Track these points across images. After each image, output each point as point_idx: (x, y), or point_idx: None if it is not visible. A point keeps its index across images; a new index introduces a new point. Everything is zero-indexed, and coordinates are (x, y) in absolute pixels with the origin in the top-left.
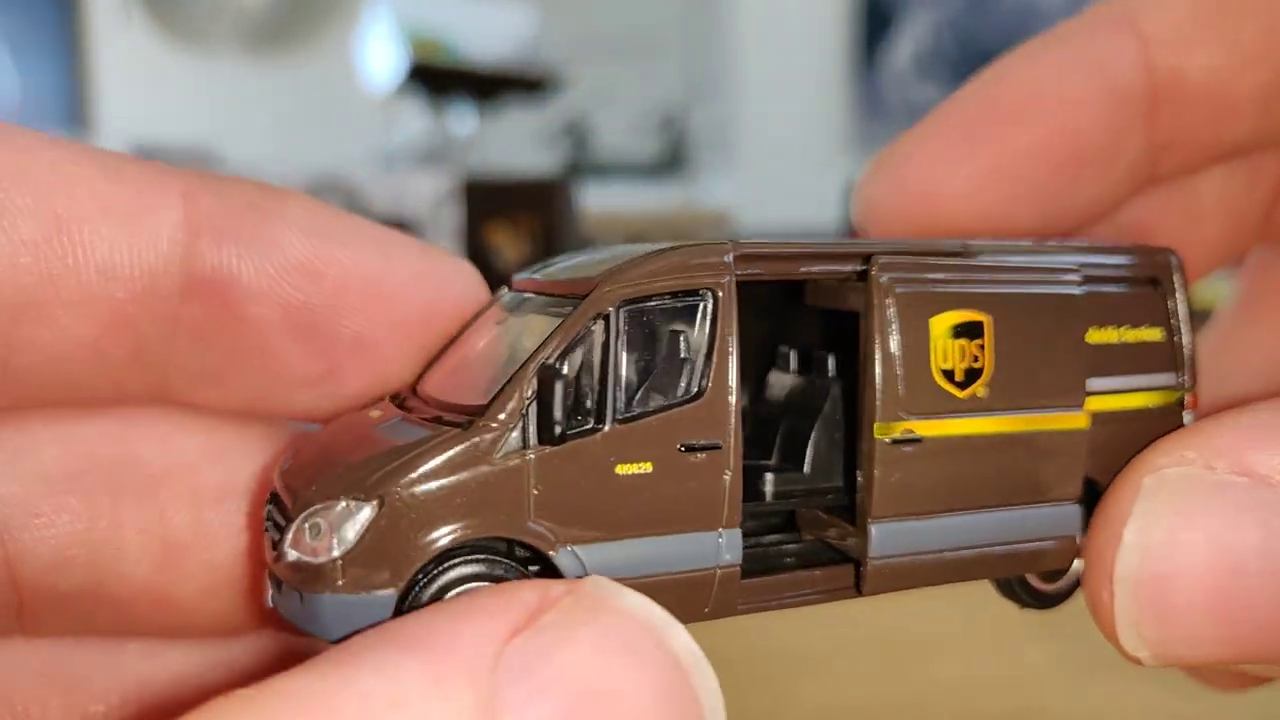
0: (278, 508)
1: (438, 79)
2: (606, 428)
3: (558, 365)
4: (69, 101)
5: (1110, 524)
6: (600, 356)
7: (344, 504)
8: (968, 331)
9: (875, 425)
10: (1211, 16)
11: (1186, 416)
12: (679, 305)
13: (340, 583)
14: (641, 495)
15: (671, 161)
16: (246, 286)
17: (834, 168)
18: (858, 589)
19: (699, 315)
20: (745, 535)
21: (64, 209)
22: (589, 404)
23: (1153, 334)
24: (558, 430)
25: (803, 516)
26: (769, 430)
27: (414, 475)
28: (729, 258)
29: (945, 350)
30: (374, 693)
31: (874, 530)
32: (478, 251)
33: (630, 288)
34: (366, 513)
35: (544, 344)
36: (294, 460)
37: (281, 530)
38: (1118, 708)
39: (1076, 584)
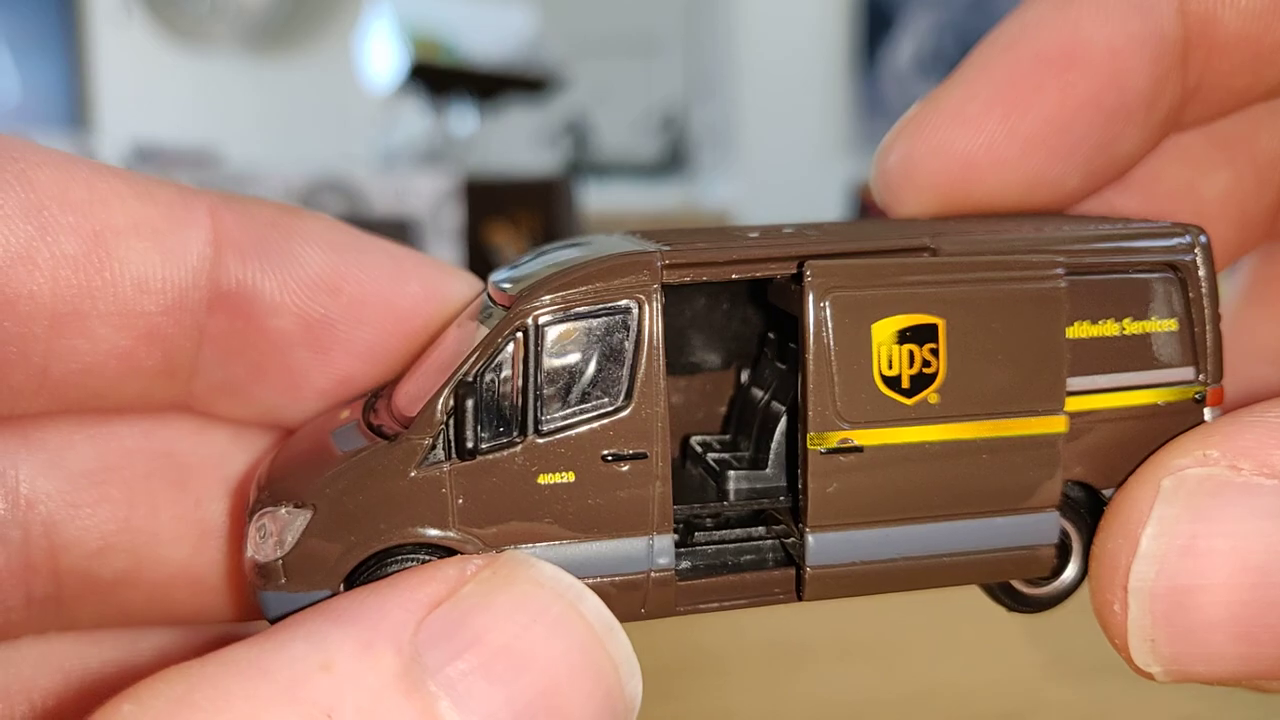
0: (248, 506)
1: (438, 78)
2: (525, 441)
3: (473, 381)
4: (69, 101)
5: (1124, 529)
6: (520, 371)
7: (285, 509)
8: (918, 336)
9: (809, 435)
10: None
11: (1209, 414)
12: (601, 318)
13: (283, 581)
14: (565, 503)
15: (672, 161)
16: (268, 301)
17: (834, 167)
18: (798, 594)
19: (623, 327)
20: (702, 532)
21: (102, 226)
22: (509, 417)
23: (1163, 325)
24: (469, 445)
25: (769, 516)
26: (749, 421)
27: (344, 485)
28: (659, 264)
29: (890, 356)
30: (305, 658)
31: (811, 540)
32: (478, 251)
33: (550, 303)
34: (302, 518)
35: (466, 359)
36: (267, 462)
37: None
38: (1116, 708)
39: (1068, 590)
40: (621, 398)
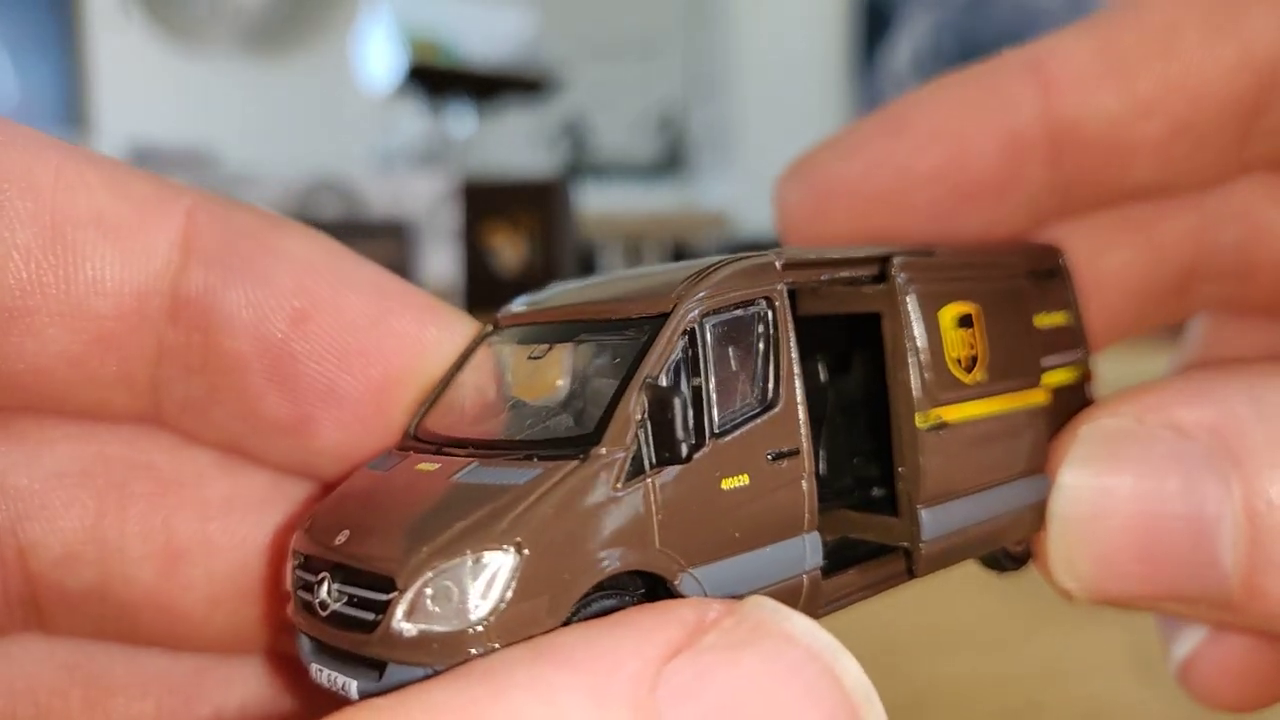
0: (315, 570)
1: (436, 80)
2: (709, 445)
3: (645, 386)
4: (67, 101)
5: (1049, 467)
6: (692, 372)
7: (469, 561)
8: (966, 322)
9: (915, 415)
10: (1112, 67)
11: (1089, 390)
12: (746, 315)
13: (495, 644)
14: (742, 509)
15: (670, 162)
16: (228, 317)
17: None
18: (910, 573)
19: (764, 324)
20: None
21: (62, 217)
22: (686, 424)
23: (1062, 317)
24: (684, 450)
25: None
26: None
27: (549, 515)
28: (778, 265)
29: (953, 340)
30: (528, 711)
31: (924, 515)
32: (476, 252)
33: (708, 300)
34: (509, 563)
35: (640, 364)
36: (331, 523)
37: (357, 602)
38: (1117, 706)
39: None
40: (771, 394)
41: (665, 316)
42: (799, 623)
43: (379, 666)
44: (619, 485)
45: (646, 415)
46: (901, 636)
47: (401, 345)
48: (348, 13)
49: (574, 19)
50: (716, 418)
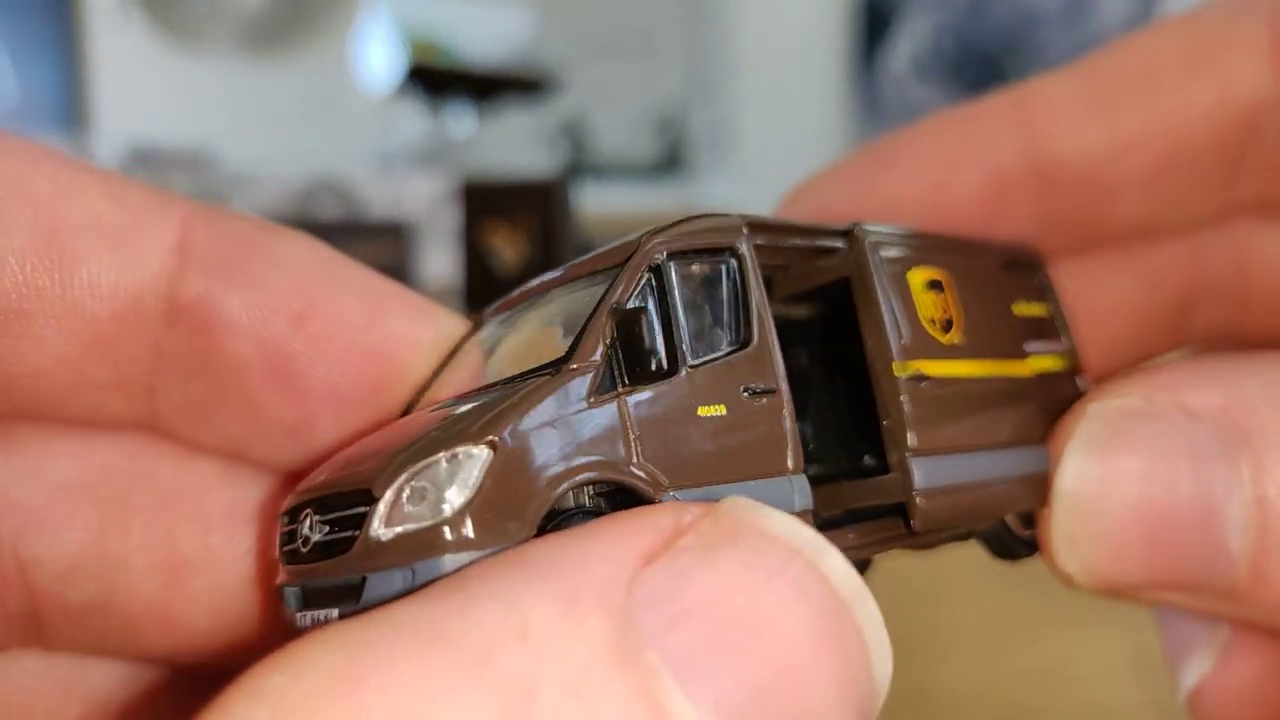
0: (299, 515)
1: (436, 80)
2: (683, 371)
3: (635, 307)
4: (66, 101)
5: (1056, 444)
6: (661, 304)
7: (443, 460)
8: (935, 286)
9: (893, 365)
10: (1094, 105)
11: (1080, 382)
12: (714, 261)
13: (468, 535)
14: (721, 438)
15: (670, 162)
16: (228, 320)
17: None
18: (909, 528)
19: (732, 271)
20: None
21: (59, 223)
22: (658, 351)
23: (1042, 309)
24: (653, 364)
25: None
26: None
27: (522, 416)
28: (739, 223)
29: (924, 301)
30: (496, 624)
31: (914, 464)
32: (475, 252)
33: (673, 242)
34: (481, 458)
35: (607, 293)
36: (320, 473)
37: (341, 523)
38: (1118, 709)
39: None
40: (744, 334)
41: (631, 257)
42: (779, 520)
43: (361, 587)
44: (591, 398)
45: (615, 338)
46: (902, 636)
47: (399, 344)
48: (347, 13)
49: (573, 19)
50: (688, 347)
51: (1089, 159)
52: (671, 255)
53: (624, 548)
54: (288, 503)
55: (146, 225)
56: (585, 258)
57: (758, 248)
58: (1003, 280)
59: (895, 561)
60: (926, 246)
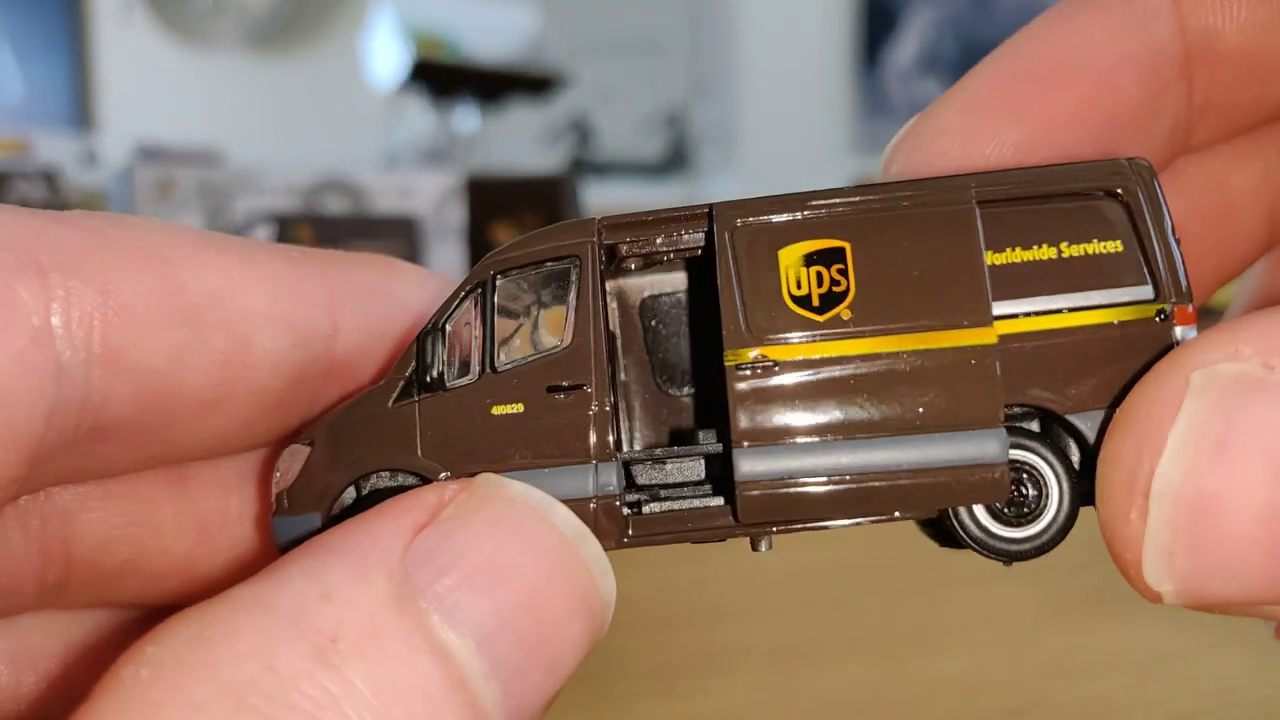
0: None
1: (441, 77)
2: (480, 377)
3: (435, 327)
4: (72, 100)
5: (1147, 429)
6: (477, 318)
7: (291, 449)
8: (826, 258)
9: (725, 353)
10: None
11: (1180, 332)
12: (548, 271)
13: (286, 505)
14: (515, 431)
15: (674, 160)
16: (371, 360)
17: (836, 166)
18: (735, 518)
19: (566, 278)
20: (654, 480)
21: (242, 318)
22: (469, 358)
23: (1106, 247)
24: (429, 377)
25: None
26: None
27: (333, 420)
28: (597, 225)
29: (797, 278)
30: (306, 590)
31: (736, 456)
32: (481, 250)
33: (504, 260)
34: (304, 453)
35: (435, 313)
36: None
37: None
38: (1121, 704)
39: (1058, 529)
40: (563, 338)
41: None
42: (516, 487)
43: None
44: (390, 403)
45: (416, 353)
46: (902, 636)
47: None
48: (353, 11)
49: (579, 17)
50: (494, 357)
51: (1247, 34)
52: (502, 272)
53: (400, 522)
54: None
55: (305, 303)
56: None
57: (630, 245)
58: (969, 223)
59: (897, 559)
60: (818, 212)
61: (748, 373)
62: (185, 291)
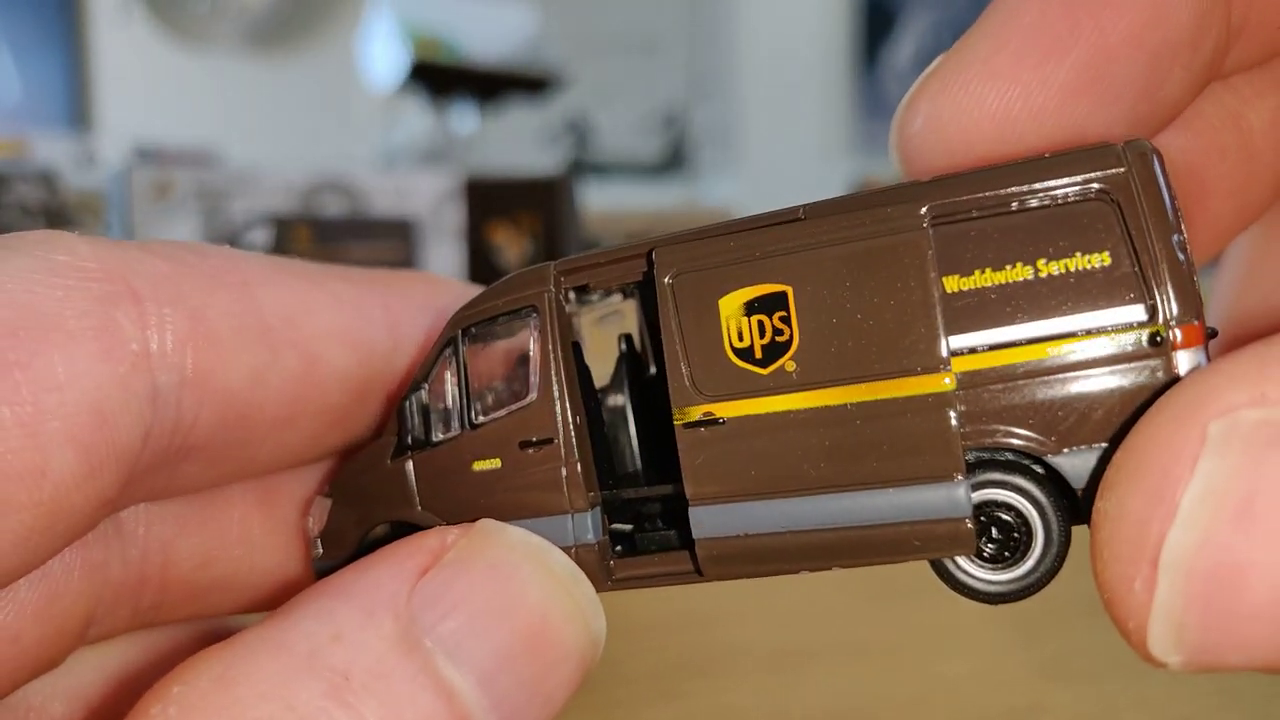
0: None
1: (439, 78)
2: (460, 434)
3: (417, 387)
4: (70, 100)
5: (1155, 487)
6: (452, 375)
7: (319, 500)
8: (767, 305)
9: (674, 411)
10: None
11: (1184, 358)
12: (510, 323)
13: (319, 553)
14: (495, 487)
15: (673, 160)
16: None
17: (835, 166)
18: (697, 571)
19: (527, 329)
20: (639, 519)
21: (311, 337)
22: (447, 416)
23: (1091, 260)
24: (410, 440)
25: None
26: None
27: (346, 474)
28: (553, 271)
29: (739, 329)
30: (318, 632)
31: (692, 514)
32: (479, 250)
33: (468, 316)
34: (327, 504)
35: (415, 372)
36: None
37: None
38: (1121, 705)
39: (1039, 576)
40: (530, 390)
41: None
42: (514, 533)
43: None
44: (389, 461)
45: (399, 413)
46: (902, 636)
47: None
48: (350, 11)
49: (577, 17)
50: (472, 412)
51: None
52: (467, 329)
53: (404, 566)
54: None
55: (367, 321)
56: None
57: (582, 289)
58: (921, 250)
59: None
60: (759, 253)
61: (697, 431)
62: (263, 314)
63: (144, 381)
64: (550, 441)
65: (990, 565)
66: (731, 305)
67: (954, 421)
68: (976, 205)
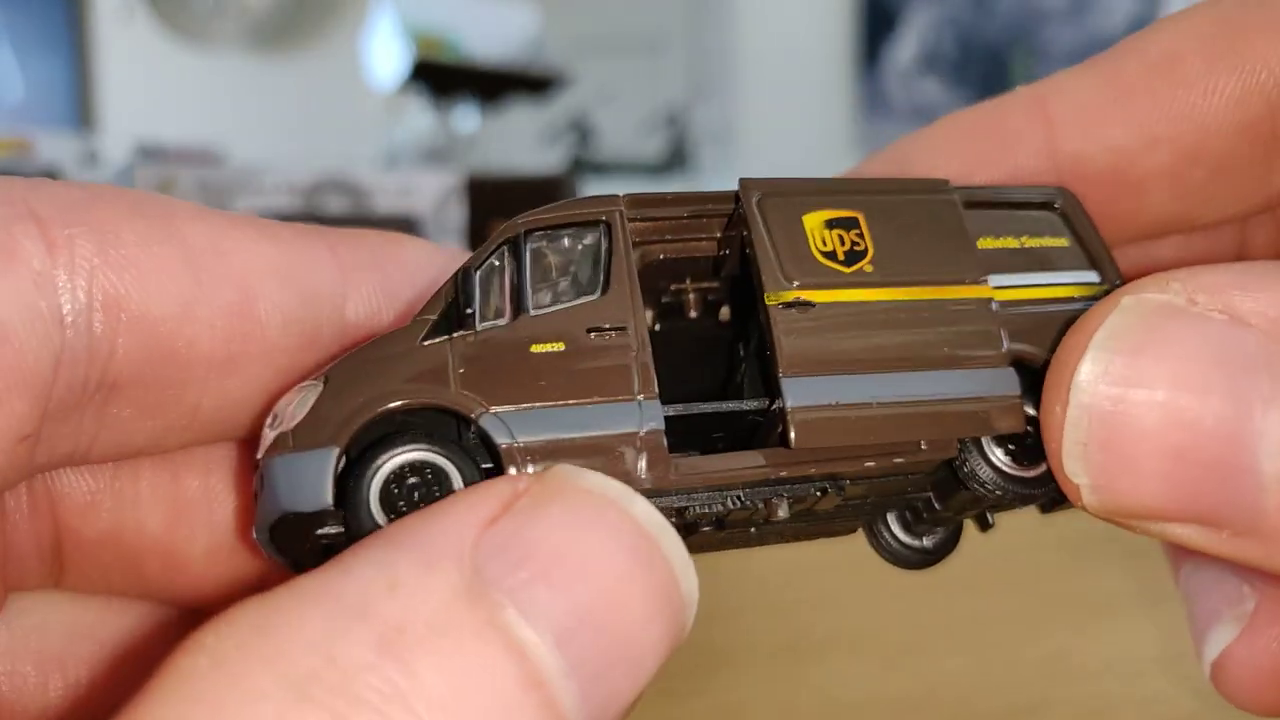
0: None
1: (442, 77)
2: (515, 319)
3: (472, 270)
4: (73, 99)
5: (1079, 333)
6: (512, 269)
7: (297, 389)
8: (843, 224)
9: (766, 295)
10: (1114, 100)
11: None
12: (578, 232)
13: (290, 444)
14: (557, 369)
15: (674, 160)
16: (384, 326)
17: (837, 165)
18: (784, 443)
19: (597, 238)
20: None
21: (249, 274)
22: (499, 305)
23: (1057, 241)
24: (469, 311)
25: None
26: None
27: (356, 358)
28: (621, 199)
29: (822, 237)
30: (373, 580)
31: (786, 383)
32: None
33: (534, 220)
34: (314, 391)
35: (466, 262)
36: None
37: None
38: (1122, 704)
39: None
40: (600, 288)
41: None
42: (593, 478)
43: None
44: (421, 342)
45: (451, 294)
46: (902, 636)
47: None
48: (353, 10)
49: (579, 17)
50: (530, 299)
51: (1113, 155)
52: (530, 230)
53: (471, 514)
54: None
55: (310, 262)
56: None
57: (654, 221)
58: (954, 213)
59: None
60: (832, 191)
61: (790, 311)
62: (188, 245)
63: (49, 301)
64: (623, 329)
65: (1018, 463)
66: (814, 221)
67: (999, 321)
68: (977, 198)
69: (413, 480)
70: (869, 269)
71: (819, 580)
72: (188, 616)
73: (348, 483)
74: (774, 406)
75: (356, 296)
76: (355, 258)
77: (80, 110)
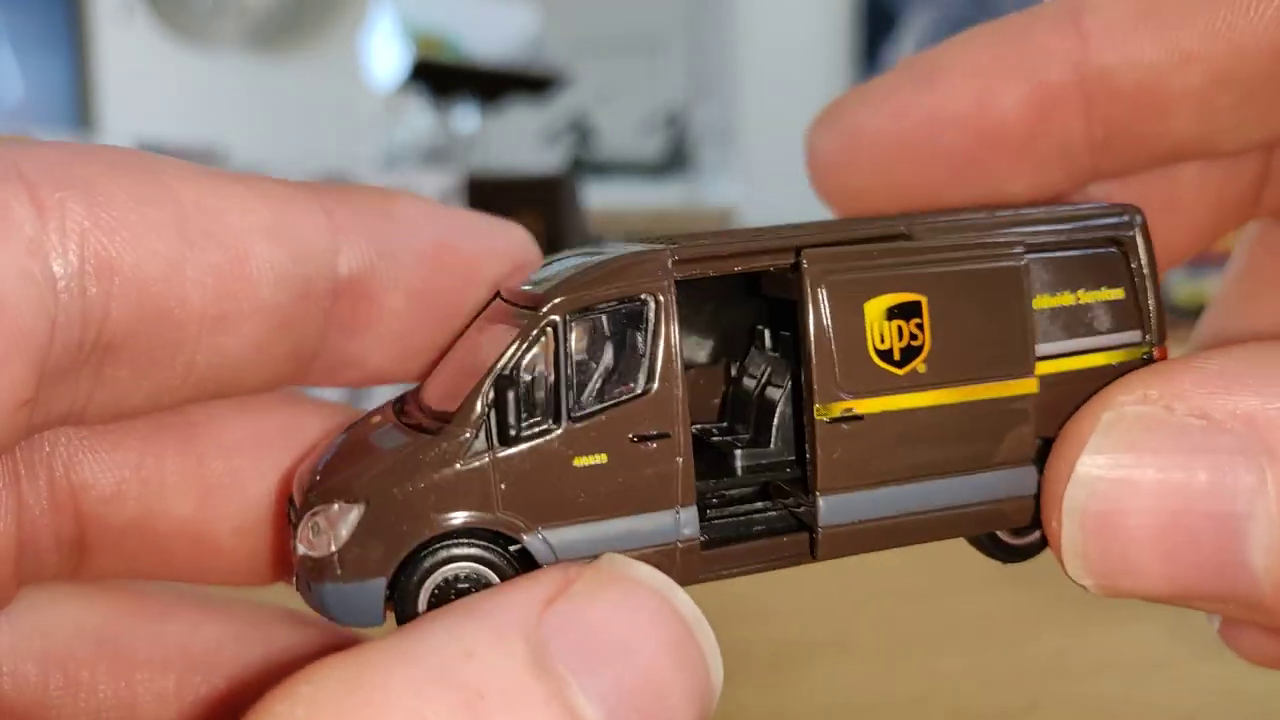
0: (292, 507)
1: (441, 77)
2: (561, 427)
3: (510, 374)
4: (72, 99)
5: (1064, 455)
6: (552, 363)
7: (337, 506)
8: (904, 312)
9: (815, 407)
10: (1148, 16)
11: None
12: (623, 311)
13: (338, 573)
14: (599, 483)
15: (675, 160)
16: (380, 283)
17: None
18: (813, 555)
19: (642, 319)
20: (714, 508)
21: (239, 231)
22: (544, 407)
23: (1112, 294)
24: (511, 432)
25: (775, 488)
26: (745, 407)
27: (394, 478)
28: (669, 262)
29: (881, 332)
30: (449, 647)
31: (822, 502)
32: None
33: (575, 300)
34: (355, 513)
35: (501, 355)
36: (305, 465)
37: (295, 527)
38: (1120, 705)
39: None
40: (644, 383)
41: (534, 313)
42: (641, 569)
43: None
44: (461, 460)
45: (492, 404)
46: (902, 636)
47: (499, 258)
48: (353, 10)
49: (579, 17)
50: (572, 404)
51: (1144, 72)
52: (572, 314)
53: (531, 595)
54: (291, 494)
55: (302, 219)
56: (535, 283)
57: (695, 276)
58: (1020, 275)
59: (896, 559)
60: (900, 264)
61: (838, 426)
62: (179, 204)
63: (42, 265)
64: (668, 436)
65: (1016, 533)
66: (875, 310)
67: (1033, 416)
68: (1044, 243)
69: (461, 586)
70: (922, 369)
71: (816, 582)
72: (189, 617)
73: (398, 579)
74: (803, 509)
75: (349, 252)
76: (347, 213)
77: (80, 110)
